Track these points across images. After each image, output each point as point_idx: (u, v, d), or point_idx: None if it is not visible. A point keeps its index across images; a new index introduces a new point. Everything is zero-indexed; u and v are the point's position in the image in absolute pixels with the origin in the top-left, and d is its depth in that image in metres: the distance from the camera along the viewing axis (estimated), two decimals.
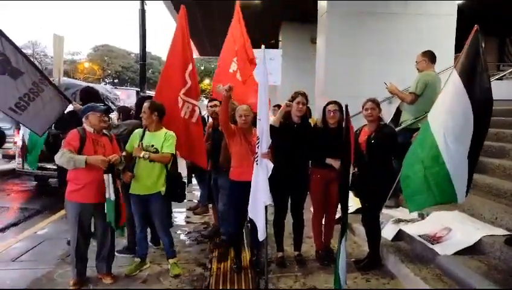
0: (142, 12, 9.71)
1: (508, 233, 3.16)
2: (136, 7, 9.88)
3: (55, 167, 4.97)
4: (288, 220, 3.70)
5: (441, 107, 2.91)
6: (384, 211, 3.59)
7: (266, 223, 3.12)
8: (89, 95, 4.50)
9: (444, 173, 2.84)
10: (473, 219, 3.60)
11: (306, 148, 3.55)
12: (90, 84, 8.59)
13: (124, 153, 3.40)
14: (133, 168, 3.35)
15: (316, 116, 6.35)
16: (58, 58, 5.14)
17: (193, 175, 5.42)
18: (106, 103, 7.79)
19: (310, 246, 3.95)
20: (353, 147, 2.98)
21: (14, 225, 5.07)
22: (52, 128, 4.39)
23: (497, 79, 6.62)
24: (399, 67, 5.94)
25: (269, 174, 3.09)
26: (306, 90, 3.64)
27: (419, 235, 3.56)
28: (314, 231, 3.79)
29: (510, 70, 8.00)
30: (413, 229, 3.73)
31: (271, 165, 3.11)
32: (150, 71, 36.87)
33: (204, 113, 5.28)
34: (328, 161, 3.47)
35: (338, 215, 3.66)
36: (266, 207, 3.13)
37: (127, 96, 14.66)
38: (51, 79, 3.86)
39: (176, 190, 3.48)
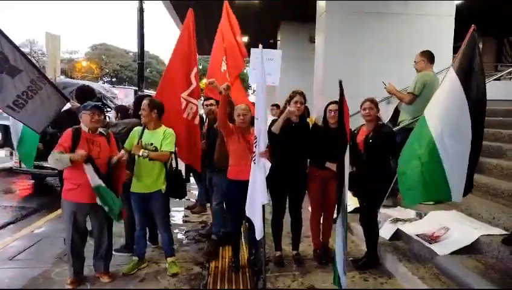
0: (141, 12, 9.71)
1: (505, 233, 3.17)
2: (134, 7, 9.88)
3: None
4: (286, 219, 3.70)
5: (437, 103, 2.93)
6: (382, 210, 3.61)
7: (264, 223, 3.12)
8: (84, 94, 4.49)
9: (440, 169, 2.86)
10: (471, 219, 3.61)
11: (304, 147, 3.56)
12: (87, 83, 8.56)
13: (123, 151, 3.40)
14: (133, 167, 3.35)
15: (314, 116, 6.37)
16: (53, 57, 5.12)
17: (191, 174, 5.42)
18: (104, 101, 7.76)
19: (308, 245, 3.95)
20: (348, 126, 2.97)
21: (11, 223, 5.05)
22: (49, 128, 4.38)
23: (495, 79, 6.65)
24: (397, 67, 5.95)
25: (267, 174, 3.09)
26: (305, 89, 3.64)
27: (417, 235, 3.57)
28: (312, 230, 3.79)
29: (508, 70, 8.03)
30: (411, 229, 3.74)
31: (268, 165, 3.11)
32: (148, 70, 36.83)
33: (201, 112, 5.27)
34: (328, 165, 3.47)
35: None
36: (264, 206, 3.13)
37: (125, 95, 14.65)
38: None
39: (176, 187, 3.48)
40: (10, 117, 3.51)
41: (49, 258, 3.74)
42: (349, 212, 4.61)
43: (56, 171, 3.85)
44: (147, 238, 3.79)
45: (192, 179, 5.69)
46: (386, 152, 3.42)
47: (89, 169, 2.98)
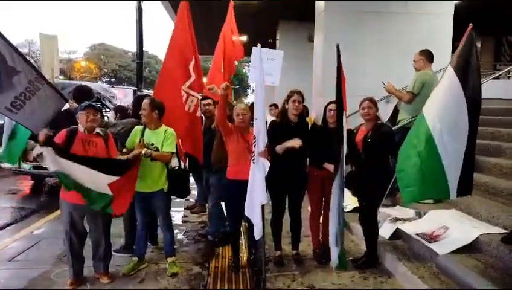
0: (139, 11, 9.69)
1: (505, 231, 3.17)
2: (133, 7, 9.87)
3: None
4: (286, 219, 3.70)
5: (435, 100, 2.96)
6: (381, 209, 3.61)
7: (263, 222, 3.12)
8: (82, 94, 4.49)
9: (439, 167, 2.89)
10: (470, 218, 3.61)
11: (304, 147, 3.55)
12: (86, 83, 8.56)
13: (124, 150, 3.39)
14: None
15: (312, 115, 6.37)
16: (49, 58, 5.09)
17: (190, 174, 5.41)
18: (103, 101, 7.76)
19: (307, 245, 3.95)
20: (345, 92, 3.05)
21: (11, 224, 5.04)
22: (48, 128, 4.36)
23: (494, 78, 6.66)
24: (396, 66, 5.95)
25: (266, 173, 3.09)
26: (303, 89, 3.63)
27: (417, 234, 3.57)
28: (311, 229, 3.79)
29: (506, 69, 8.05)
30: (411, 228, 3.74)
31: (268, 164, 3.11)
32: (146, 70, 36.81)
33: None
34: (326, 166, 3.46)
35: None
36: (263, 206, 3.13)
37: (124, 96, 14.64)
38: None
39: (179, 186, 3.48)
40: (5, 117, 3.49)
41: (49, 259, 3.74)
42: (349, 212, 4.63)
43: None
44: (147, 238, 3.78)
45: (191, 179, 5.68)
46: (385, 151, 3.42)
47: (48, 152, 2.84)
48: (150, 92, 14.85)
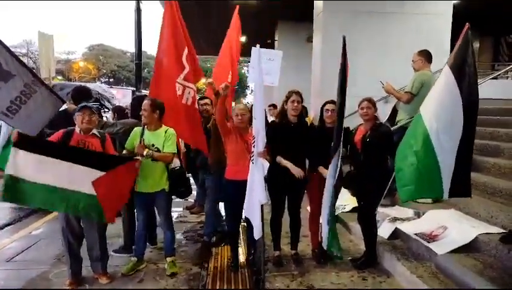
0: (138, 12, 9.67)
1: (503, 231, 3.18)
2: (132, 7, 9.86)
3: None
4: (285, 218, 3.70)
5: (432, 98, 2.97)
6: (380, 209, 3.61)
7: (262, 222, 3.12)
8: (81, 94, 4.47)
9: (435, 164, 2.89)
10: (469, 217, 3.62)
11: (303, 147, 3.56)
12: (83, 84, 8.57)
13: (124, 152, 3.39)
14: None
15: (311, 115, 6.37)
16: (46, 57, 5.06)
17: (190, 174, 5.40)
18: (101, 102, 7.75)
19: (307, 245, 3.95)
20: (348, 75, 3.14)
21: (9, 224, 5.02)
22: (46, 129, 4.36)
23: (492, 78, 6.66)
24: (395, 66, 5.96)
25: (265, 174, 3.09)
26: (302, 89, 3.64)
27: (415, 234, 3.57)
28: (311, 229, 3.79)
29: (504, 69, 8.06)
30: (409, 228, 3.75)
31: (267, 165, 3.12)
32: (145, 70, 36.73)
33: None
34: (321, 170, 3.46)
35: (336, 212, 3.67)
36: (262, 206, 3.13)
37: (122, 96, 14.64)
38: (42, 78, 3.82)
39: (180, 186, 3.48)
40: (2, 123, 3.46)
41: (47, 259, 3.73)
42: (348, 212, 4.63)
43: None
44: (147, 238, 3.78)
45: (191, 179, 5.67)
46: (384, 151, 3.42)
47: (16, 154, 2.76)
48: (148, 92, 14.81)
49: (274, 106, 7.48)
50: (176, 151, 3.41)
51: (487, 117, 5.60)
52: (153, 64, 4.07)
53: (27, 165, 2.80)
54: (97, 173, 2.92)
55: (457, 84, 2.81)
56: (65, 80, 34.14)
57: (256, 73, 3.12)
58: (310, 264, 3.63)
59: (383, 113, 5.05)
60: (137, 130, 3.42)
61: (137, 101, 4.07)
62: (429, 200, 4.19)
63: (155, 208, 3.54)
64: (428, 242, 3.36)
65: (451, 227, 3.43)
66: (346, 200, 4.57)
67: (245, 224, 3.71)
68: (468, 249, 3.16)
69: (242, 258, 3.80)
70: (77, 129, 3.11)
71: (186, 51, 3.88)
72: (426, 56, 4.57)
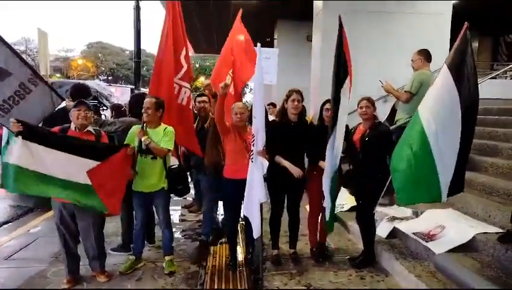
0: (137, 9, 9.64)
1: (501, 231, 3.19)
2: (130, 7, 9.83)
3: None
4: (283, 217, 3.70)
5: (430, 99, 2.94)
6: (378, 209, 3.62)
7: (261, 221, 3.12)
8: (79, 92, 4.45)
9: (433, 169, 2.87)
10: (467, 217, 3.63)
11: (303, 146, 3.56)
12: (82, 82, 8.53)
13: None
14: (135, 166, 3.32)
15: (311, 114, 6.37)
16: (43, 55, 5.04)
17: (188, 173, 5.40)
18: (100, 99, 7.72)
19: (305, 244, 3.95)
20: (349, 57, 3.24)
21: (7, 222, 5.01)
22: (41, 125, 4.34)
23: (491, 78, 6.67)
24: (395, 66, 5.96)
25: (264, 172, 3.09)
26: (302, 88, 3.63)
27: (414, 233, 3.58)
28: (309, 228, 3.79)
29: (503, 69, 8.08)
30: (408, 227, 3.76)
31: (266, 163, 3.12)
32: (144, 68, 36.65)
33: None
34: (321, 164, 3.46)
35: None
36: (261, 205, 3.13)
37: (121, 94, 14.61)
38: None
39: (178, 184, 3.47)
40: None
41: (46, 257, 3.73)
42: (346, 211, 4.64)
43: None
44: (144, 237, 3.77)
45: (189, 178, 5.67)
46: (383, 151, 3.42)
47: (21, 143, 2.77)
48: (147, 90, 14.78)
49: (273, 104, 7.48)
50: (171, 148, 3.38)
51: (486, 117, 5.61)
52: (152, 62, 4.05)
53: (27, 154, 2.82)
54: (92, 163, 2.94)
55: (456, 84, 2.79)
56: (63, 77, 34.04)
57: (256, 72, 3.11)
58: (308, 263, 3.64)
59: (382, 113, 5.05)
60: (135, 128, 3.41)
61: (135, 99, 4.05)
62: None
63: (153, 206, 3.53)
64: (426, 241, 3.36)
65: (449, 226, 3.44)
66: (345, 199, 4.57)
67: (243, 223, 3.70)
68: (466, 248, 3.17)
69: (240, 257, 3.80)
70: (72, 126, 3.10)
71: (184, 50, 3.87)
72: (425, 55, 4.57)
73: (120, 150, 3.11)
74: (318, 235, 3.79)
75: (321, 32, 6.96)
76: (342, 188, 3.65)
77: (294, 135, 3.48)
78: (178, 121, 3.75)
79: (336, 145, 3.21)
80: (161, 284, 3.23)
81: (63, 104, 3.88)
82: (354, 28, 6.76)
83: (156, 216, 3.68)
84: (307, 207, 3.85)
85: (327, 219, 3.46)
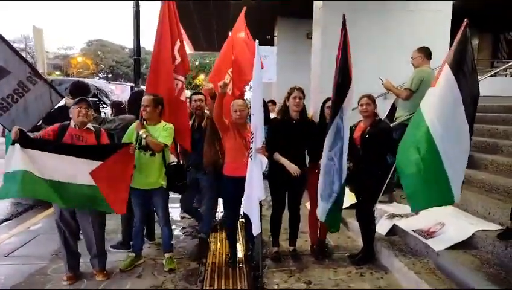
0: (137, 6, 9.61)
1: (501, 228, 3.19)
2: (130, 6, 9.80)
3: None
4: (284, 215, 3.70)
5: (433, 97, 2.90)
6: (378, 206, 3.62)
7: (261, 219, 3.12)
8: (79, 89, 4.45)
9: (443, 172, 2.82)
10: (466, 214, 3.63)
11: (305, 144, 3.55)
12: (81, 79, 8.53)
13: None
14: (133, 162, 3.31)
15: (311, 112, 6.36)
16: (39, 52, 5.04)
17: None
18: (100, 97, 7.71)
19: (305, 241, 3.96)
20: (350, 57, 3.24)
21: (7, 220, 5.02)
22: (42, 124, 4.35)
23: (491, 76, 6.67)
24: (395, 63, 5.95)
25: (263, 170, 3.08)
26: (302, 85, 3.62)
27: (413, 230, 3.58)
28: (310, 225, 3.80)
29: (503, 67, 8.07)
30: (407, 224, 3.76)
31: (265, 161, 3.12)
32: (144, 66, 36.58)
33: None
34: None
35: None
36: (260, 202, 3.13)
37: (121, 91, 14.60)
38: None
39: (176, 182, 3.47)
40: None
41: (46, 254, 3.73)
42: (346, 208, 4.63)
43: None
44: (144, 234, 3.78)
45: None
46: (383, 148, 3.42)
47: (15, 150, 2.71)
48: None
49: (273, 102, 7.47)
50: (168, 144, 3.36)
51: (486, 114, 5.60)
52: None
53: (28, 160, 2.77)
54: (94, 164, 2.92)
55: (457, 82, 2.77)
56: (63, 75, 34.01)
57: (254, 69, 3.11)
58: (308, 260, 3.64)
59: (382, 110, 5.05)
60: (134, 125, 3.41)
61: (134, 97, 4.05)
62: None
63: (152, 204, 3.53)
64: (426, 239, 3.37)
65: (448, 224, 3.44)
66: (345, 196, 4.57)
67: (243, 220, 3.70)
68: (466, 245, 3.18)
69: (240, 254, 3.81)
70: (72, 124, 3.10)
71: (178, 43, 3.84)
72: (425, 53, 4.56)
73: (121, 148, 3.10)
74: (318, 232, 3.79)
75: (321, 30, 6.93)
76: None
77: (296, 133, 3.47)
78: (174, 116, 3.72)
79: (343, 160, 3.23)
80: (161, 281, 3.23)
81: (62, 102, 3.88)
82: (353, 26, 6.73)
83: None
84: (307, 205, 3.86)
85: (320, 216, 3.44)
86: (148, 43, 38.12)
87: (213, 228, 4.27)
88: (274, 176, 3.54)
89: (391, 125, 4.25)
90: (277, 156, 3.43)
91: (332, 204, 3.32)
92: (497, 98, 6.95)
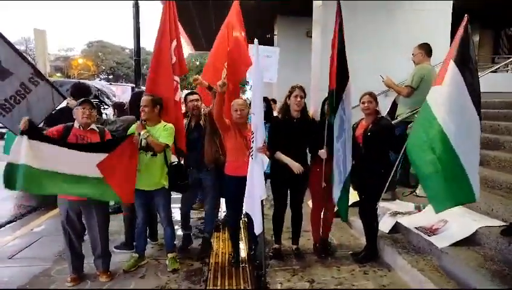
0: (136, 7, 9.63)
1: (504, 224, 3.18)
2: (130, 6, 9.80)
3: None
4: (286, 213, 3.70)
5: (440, 95, 2.84)
6: (381, 203, 3.61)
7: (263, 218, 3.12)
8: (80, 91, 4.45)
9: (460, 169, 2.74)
10: (469, 211, 3.62)
11: (306, 142, 3.55)
12: (82, 81, 8.55)
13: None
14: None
15: (311, 110, 6.35)
16: (41, 54, 5.06)
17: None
18: (101, 98, 7.73)
19: (307, 240, 3.96)
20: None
21: (11, 222, 5.03)
22: (44, 125, 4.36)
23: (492, 72, 6.65)
24: (395, 60, 5.93)
25: (265, 169, 3.08)
26: (302, 84, 3.62)
27: (416, 228, 3.58)
28: (313, 224, 3.79)
29: (504, 62, 8.04)
30: (410, 222, 3.75)
31: (266, 160, 3.12)
32: (144, 67, 36.61)
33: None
34: (320, 153, 3.44)
35: (336, 208, 3.68)
36: (262, 201, 3.13)
37: (122, 92, 14.63)
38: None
39: (178, 182, 3.47)
40: None
41: (50, 256, 3.74)
42: (349, 206, 4.62)
43: None
44: (147, 235, 3.79)
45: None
46: (385, 145, 3.42)
47: (23, 141, 2.74)
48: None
49: (273, 101, 7.47)
50: (169, 144, 3.36)
51: (487, 110, 5.59)
52: None
53: (34, 153, 2.80)
54: (100, 156, 2.95)
55: (463, 78, 2.73)
56: (64, 77, 34.08)
57: (254, 69, 3.10)
58: (311, 259, 3.64)
59: (383, 107, 5.04)
60: (134, 126, 3.41)
61: (135, 97, 4.05)
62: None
63: (155, 204, 3.53)
64: (429, 236, 3.37)
65: (451, 221, 3.43)
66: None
67: (246, 219, 3.71)
68: (469, 242, 3.17)
69: (243, 253, 3.81)
70: (76, 124, 3.11)
71: (175, 42, 3.83)
72: (426, 50, 4.55)
73: (125, 140, 3.13)
74: (321, 231, 3.79)
75: (321, 28, 6.92)
76: None
77: (297, 132, 3.47)
78: (169, 116, 3.71)
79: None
80: (165, 281, 3.24)
81: (63, 103, 3.89)
82: (353, 24, 6.73)
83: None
84: (310, 203, 3.86)
85: (336, 203, 3.47)
86: (148, 43, 38.15)
87: (216, 227, 4.28)
88: (276, 174, 3.54)
89: (392, 122, 4.24)
90: (279, 155, 3.43)
91: (340, 192, 3.37)
92: (498, 94, 6.93)
